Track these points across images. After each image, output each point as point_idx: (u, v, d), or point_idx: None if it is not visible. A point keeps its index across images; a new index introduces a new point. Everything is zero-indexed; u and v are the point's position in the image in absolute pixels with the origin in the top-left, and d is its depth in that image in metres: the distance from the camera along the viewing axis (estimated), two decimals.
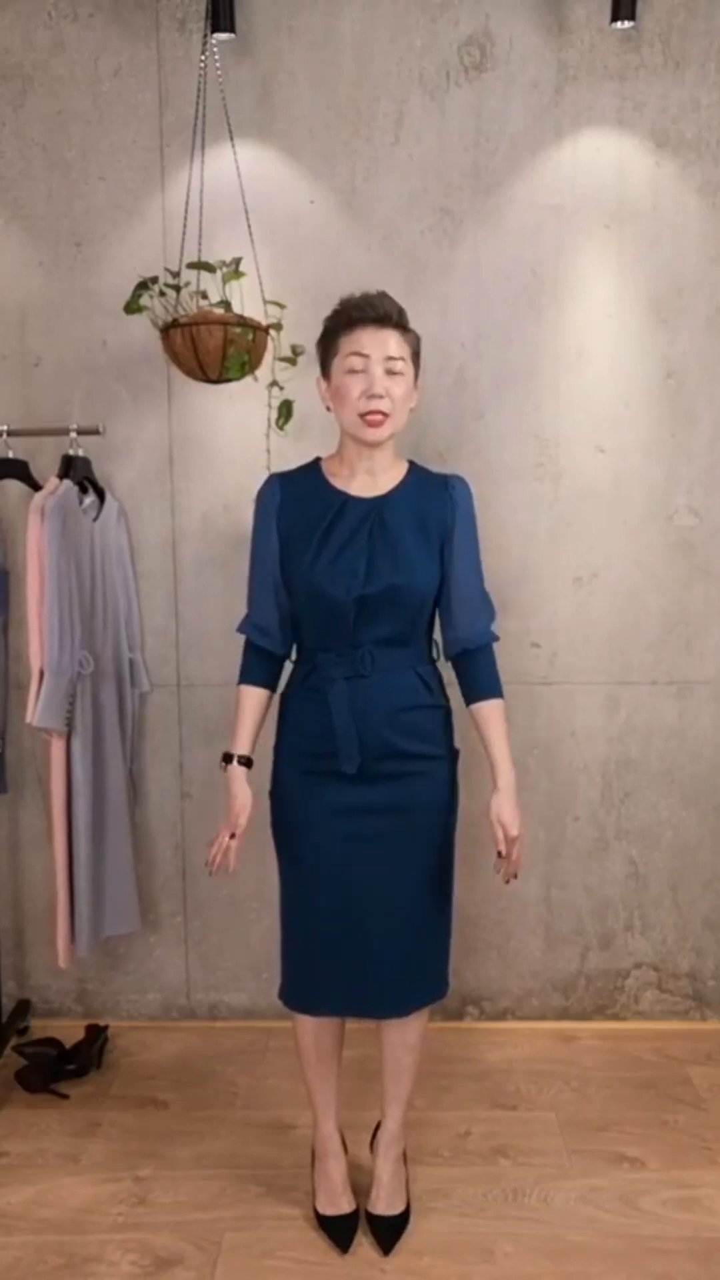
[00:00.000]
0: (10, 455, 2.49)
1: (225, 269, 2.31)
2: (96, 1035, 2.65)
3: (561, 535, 2.67)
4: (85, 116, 2.56)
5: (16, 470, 2.50)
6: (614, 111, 2.54)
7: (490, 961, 2.83)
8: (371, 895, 1.93)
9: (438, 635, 2.01)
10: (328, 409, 1.95)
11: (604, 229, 2.58)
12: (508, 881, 1.96)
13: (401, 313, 1.91)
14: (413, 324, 2.58)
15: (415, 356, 1.93)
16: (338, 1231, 2.03)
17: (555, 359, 2.62)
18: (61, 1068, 2.55)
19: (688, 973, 2.83)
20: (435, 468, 2.06)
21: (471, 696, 1.98)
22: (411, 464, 2.01)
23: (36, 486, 2.48)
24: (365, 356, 1.86)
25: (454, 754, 2.02)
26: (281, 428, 2.46)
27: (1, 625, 2.57)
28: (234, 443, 2.63)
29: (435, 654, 2.02)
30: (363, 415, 1.86)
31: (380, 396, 1.85)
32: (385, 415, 1.86)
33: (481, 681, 1.98)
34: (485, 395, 2.63)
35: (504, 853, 1.93)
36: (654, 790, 2.77)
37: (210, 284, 2.31)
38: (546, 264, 2.59)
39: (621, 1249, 2.01)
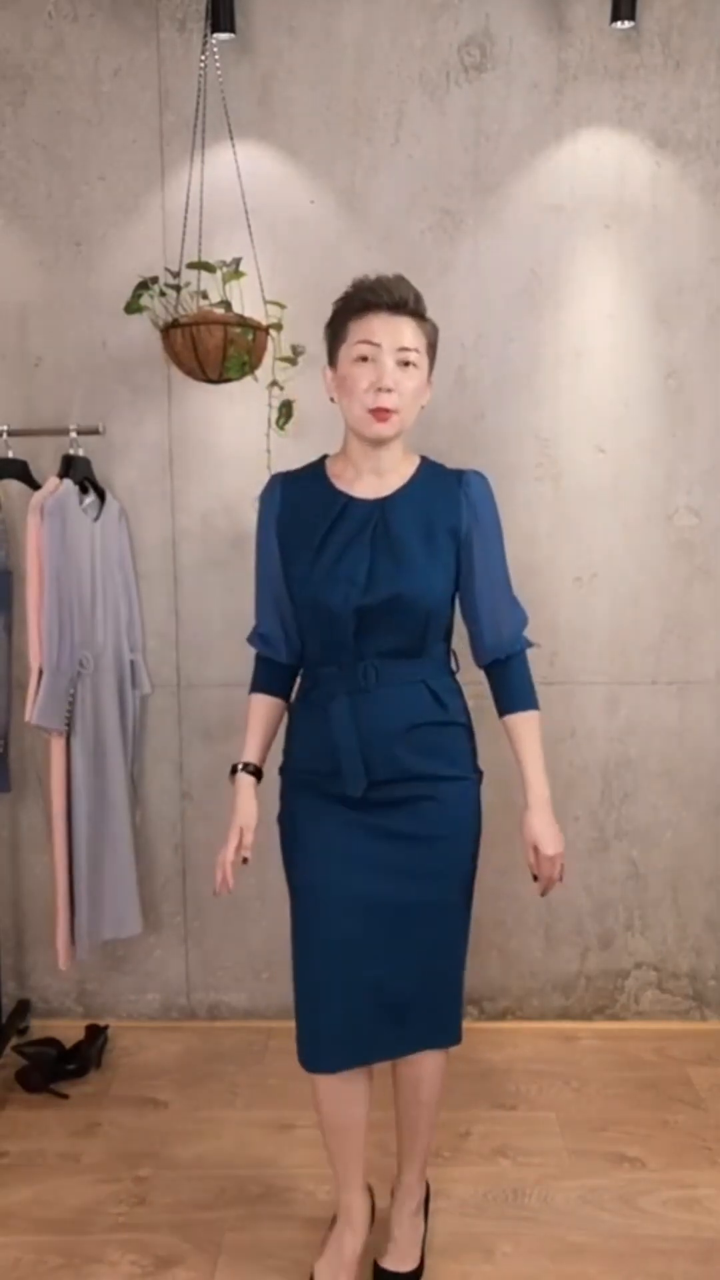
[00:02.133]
0: (10, 455, 2.49)
1: (225, 269, 2.31)
2: (96, 1035, 2.65)
3: (561, 535, 2.67)
4: (85, 116, 2.56)
5: (16, 470, 2.50)
6: (614, 111, 2.54)
7: (490, 961, 2.83)
8: (382, 931, 1.75)
9: (457, 644, 1.88)
10: (332, 400, 1.79)
11: (604, 229, 2.57)
12: (544, 894, 1.87)
13: (419, 299, 1.74)
14: None
15: (431, 349, 1.77)
16: None
17: (555, 359, 2.62)
18: (61, 1068, 2.55)
19: (688, 973, 2.83)
20: (453, 465, 1.89)
21: (502, 709, 1.85)
22: (423, 460, 1.83)
23: (36, 486, 2.49)
24: (376, 345, 1.69)
25: (477, 776, 1.88)
26: (281, 428, 2.46)
27: (4, 625, 2.57)
28: (234, 443, 2.63)
29: (455, 665, 1.86)
30: (370, 410, 1.70)
31: (390, 390, 1.69)
32: (393, 411, 1.70)
33: (511, 693, 1.84)
34: (485, 395, 2.63)
35: (537, 873, 1.83)
36: (654, 790, 2.77)
37: (210, 284, 2.31)
38: (546, 264, 2.59)
39: (621, 1249, 2.01)
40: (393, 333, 1.70)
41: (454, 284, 2.59)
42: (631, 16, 2.42)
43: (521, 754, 1.84)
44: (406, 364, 1.71)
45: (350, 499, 1.77)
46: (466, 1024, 2.77)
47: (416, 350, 1.71)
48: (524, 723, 1.84)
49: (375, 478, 1.78)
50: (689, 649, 2.72)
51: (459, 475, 1.81)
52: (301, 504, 1.80)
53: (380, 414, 1.70)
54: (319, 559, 1.75)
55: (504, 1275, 1.95)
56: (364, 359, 1.70)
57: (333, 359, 1.77)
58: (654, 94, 2.53)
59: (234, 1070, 2.61)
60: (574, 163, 2.55)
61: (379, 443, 1.75)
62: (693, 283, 2.59)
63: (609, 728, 2.74)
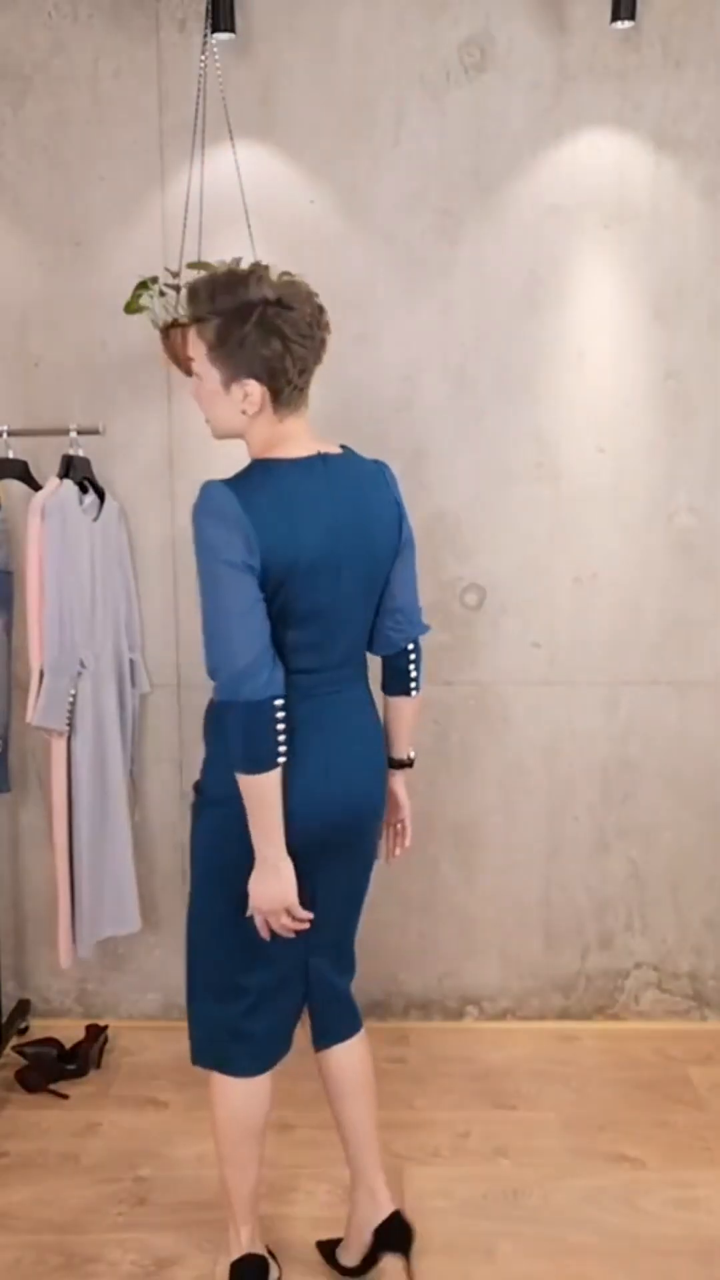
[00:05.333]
0: (10, 455, 2.49)
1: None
2: (96, 1035, 2.65)
3: (561, 535, 2.67)
4: (85, 116, 2.56)
5: (16, 470, 2.50)
6: (614, 111, 2.54)
7: (490, 961, 2.83)
8: None
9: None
10: None
11: (604, 229, 2.57)
12: None
13: (190, 308, 1.68)
14: (412, 324, 2.59)
15: (216, 353, 1.65)
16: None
17: (555, 359, 2.62)
18: (61, 1068, 2.55)
19: (688, 973, 2.83)
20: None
21: None
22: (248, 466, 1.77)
23: (36, 486, 2.49)
24: None
25: (216, 802, 1.75)
26: None
27: (4, 625, 2.57)
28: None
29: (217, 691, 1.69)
30: None
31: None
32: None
33: None
34: (485, 395, 2.63)
35: None
36: (654, 790, 2.76)
37: None
38: (546, 264, 2.59)
39: (621, 1249, 2.01)
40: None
41: (454, 284, 2.59)
42: (631, 16, 2.42)
43: None
44: (195, 374, 1.72)
45: None
46: (467, 1024, 2.82)
47: (194, 359, 1.69)
48: None
49: None
50: (689, 649, 2.72)
51: None
52: None
53: None
54: None
55: (504, 1275, 1.95)
56: None
57: None
58: (654, 94, 2.53)
59: None
60: (574, 163, 2.55)
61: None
62: (693, 283, 2.59)
63: (609, 728, 2.74)
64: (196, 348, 1.67)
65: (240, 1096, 1.82)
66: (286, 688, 1.66)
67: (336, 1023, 1.92)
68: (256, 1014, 1.80)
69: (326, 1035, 1.91)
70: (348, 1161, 1.94)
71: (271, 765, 1.64)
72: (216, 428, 1.76)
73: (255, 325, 1.61)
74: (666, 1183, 2.19)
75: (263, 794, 1.65)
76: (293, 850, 1.68)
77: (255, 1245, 1.89)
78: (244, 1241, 1.87)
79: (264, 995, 1.80)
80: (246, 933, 1.74)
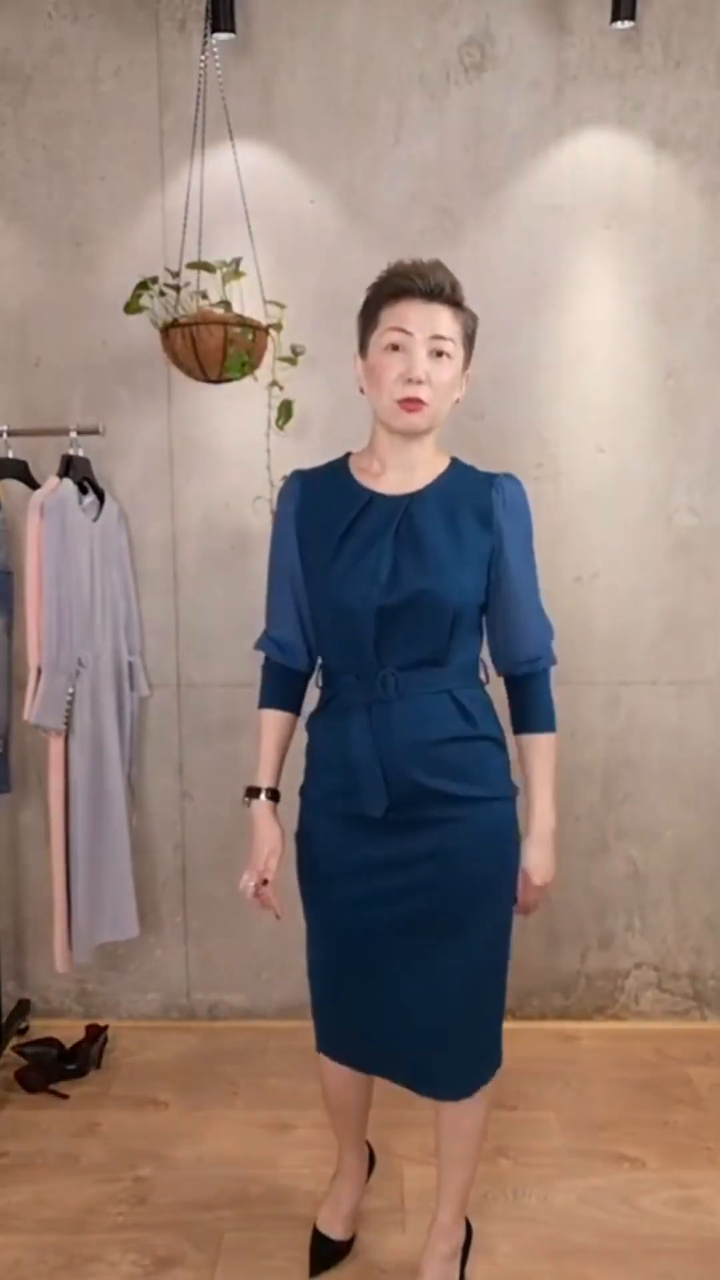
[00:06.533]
0: (10, 455, 2.49)
1: (225, 269, 2.31)
2: (96, 1035, 2.65)
3: (562, 535, 2.67)
4: (85, 116, 2.56)
5: (16, 470, 2.50)
6: (614, 111, 2.54)
7: None
8: (404, 961, 1.70)
9: (485, 654, 1.79)
10: (361, 391, 1.72)
11: (604, 229, 2.58)
12: (524, 914, 1.81)
13: (456, 286, 1.64)
14: None
15: (468, 340, 1.67)
16: (318, 1251, 1.96)
17: (555, 359, 2.62)
18: (61, 1068, 2.55)
19: (688, 973, 2.83)
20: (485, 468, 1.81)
21: (518, 726, 1.78)
22: (454, 460, 1.75)
23: (36, 486, 2.49)
24: (408, 334, 1.60)
25: (511, 795, 1.77)
26: (281, 428, 2.46)
27: (4, 625, 2.57)
28: (234, 443, 2.63)
29: (485, 676, 1.76)
30: (399, 401, 1.62)
31: (420, 382, 1.60)
32: (424, 403, 1.61)
33: (530, 711, 1.78)
34: (485, 395, 2.62)
35: (519, 898, 1.77)
36: (654, 790, 2.76)
37: (210, 284, 2.31)
38: (546, 264, 2.59)
39: (621, 1249, 2.01)
40: (426, 321, 1.60)
41: None
42: (631, 16, 2.42)
43: (532, 778, 1.77)
44: (440, 354, 1.62)
45: (374, 495, 1.69)
46: None
47: (451, 340, 1.62)
48: (540, 745, 1.78)
49: (403, 473, 1.69)
50: (689, 649, 2.72)
51: (491, 478, 1.72)
52: (322, 501, 1.72)
53: (410, 405, 1.62)
54: (338, 557, 1.66)
55: (504, 1275, 1.95)
56: (395, 348, 1.62)
57: (363, 347, 1.69)
58: (654, 94, 2.53)
59: (234, 1070, 2.61)
60: (574, 163, 2.55)
61: (409, 436, 1.67)
62: (693, 283, 2.59)
63: (609, 728, 2.74)
64: (454, 329, 1.64)
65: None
66: None
67: None
68: None
69: None
70: (359, 1143, 2.01)
71: None
72: (437, 415, 1.67)
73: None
74: (666, 1183, 2.19)
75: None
76: None
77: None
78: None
79: None
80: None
